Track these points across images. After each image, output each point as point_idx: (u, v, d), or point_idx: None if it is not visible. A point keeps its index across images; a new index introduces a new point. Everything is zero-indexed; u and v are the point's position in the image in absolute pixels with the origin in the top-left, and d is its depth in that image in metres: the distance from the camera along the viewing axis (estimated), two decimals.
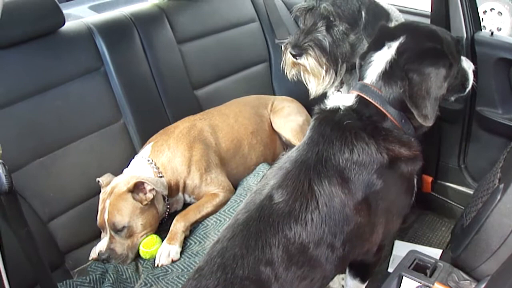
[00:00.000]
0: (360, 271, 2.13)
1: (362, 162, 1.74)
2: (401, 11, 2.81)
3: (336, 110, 1.86)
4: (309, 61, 2.33)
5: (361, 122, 1.80)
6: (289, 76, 2.53)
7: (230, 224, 1.84)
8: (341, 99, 1.89)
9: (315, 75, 2.41)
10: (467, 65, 2.01)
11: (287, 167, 1.83)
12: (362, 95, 1.84)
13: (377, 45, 1.92)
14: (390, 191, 1.83)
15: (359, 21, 2.34)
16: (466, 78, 2.01)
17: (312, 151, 1.81)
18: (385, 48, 1.87)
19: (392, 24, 2.44)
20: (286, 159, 1.89)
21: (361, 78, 1.94)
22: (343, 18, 2.32)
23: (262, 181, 1.92)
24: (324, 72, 2.35)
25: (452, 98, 2.05)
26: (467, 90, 2.05)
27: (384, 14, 2.38)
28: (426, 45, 1.83)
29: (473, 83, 2.04)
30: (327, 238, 1.73)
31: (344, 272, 2.21)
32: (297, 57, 2.35)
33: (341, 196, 1.73)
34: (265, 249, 1.70)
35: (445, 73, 1.78)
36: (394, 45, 1.85)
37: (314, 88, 2.49)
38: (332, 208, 1.72)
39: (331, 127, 1.82)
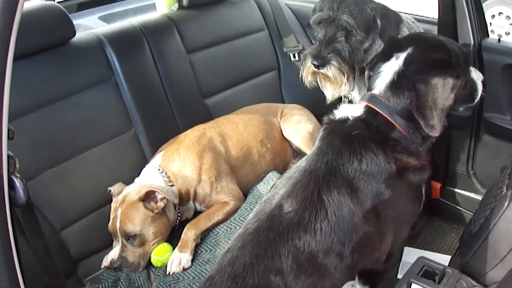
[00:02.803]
0: (369, 279, 2.14)
1: (371, 172, 1.76)
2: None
3: (345, 120, 1.88)
4: (332, 71, 2.41)
5: (369, 132, 1.82)
6: (306, 83, 2.59)
7: (241, 233, 1.85)
8: (350, 109, 1.91)
9: (333, 82, 2.50)
10: (476, 75, 2.03)
11: (297, 176, 1.85)
12: (371, 105, 1.86)
13: (385, 56, 1.94)
14: (398, 200, 1.84)
15: (374, 29, 2.45)
16: (475, 89, 2.03)
17: (322, 161, 1.83)
18: (393, 59, 1.89)
19: (405, 28, 2.60)
20: (296, 168, 1.91)
21: (369, 88, 1.96)
22: (360, 28, 2.41)
23: (272, 190, 1.94)
24: (345, 79, 2.44)
25: (461, 109, 2.06)
26: (476, 100, 2.07)
27: (396, 18, 2.49)
28: (433, 56, 1.85)
29: (481, 93, 2.05)
30: (336, 247, 1.74)
31: (353, 279, 2.22)
32: (320, 68, 2.43)
33: (350, 206, 1.74)
34: (275, 258, 1.71)
35: (452, 84, 1.80)
36: (402, 56, 1.87)
37: (331, 93, 2.59)
38: (341, 217, 1.74)
39: (340, 137, 1.84)
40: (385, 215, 1.81)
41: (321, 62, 2.42)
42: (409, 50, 1.87)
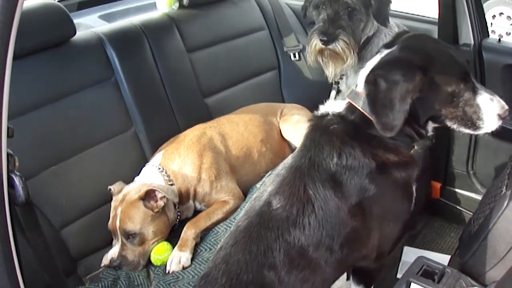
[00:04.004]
0: (363, 278, 2.14)
1: (352, 166, 1.76)
2: (409, 18, 2.84)
3: (325, 115, 1.89)
4: (340, 45, 2.54)
5: (346, 127, 1.82)
6: (310, 62, 2.76)
7: (232, 231, 1.89)
8: (333, 106, 1.92)
9: (338, 59, 2.64)
10: (483, 100, 1.80)
11: (283, 173, 1.88)
12: (351, 101, 1.86)
13: (377, 53, 1.94)
14: (384, 197, 1.84)
15: (369, 9, 2.61)
16: (478, 116, 1.81)
17: (306, 156, 1.84)
18: (377, 56, 1.89)
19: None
20: (283, 166, 1.93)
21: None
22: (361, 7, 2.57)
23: (261, 188, 1.97)
24: (352, 53, 2.57)
25: (455, 127, 1.86)
26: (482, 130, 1.84)
27: (388, 1, 2.66)
28: (402, 55, 1.79)
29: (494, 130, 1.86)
30: (325, 241, 1.76)
31: (348, 278, 2.23)
32: (328, 43, 2.55)
33: (335, 200, 1.76)
34: (267, 253, 1.74)
35: (411, 87, 1.68)
36: (385, 52, 1.86)
37: (333, 71, 2.75)
38: (328, 211, 1.75)
39: (320, 132, 1.85)
40: (370, 211, 1.81)
41: (329, 37, 2.54)
42: (393, 48, 1.84)
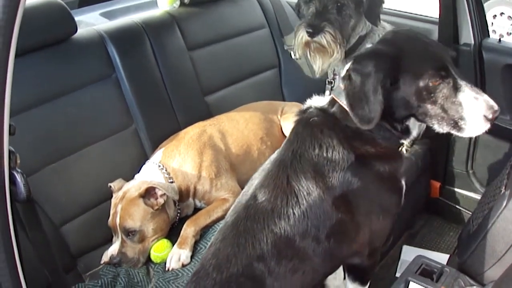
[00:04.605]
0: (357, 275, 2.15)
1: (332, 158, 1.78)
2: (409, 17, 2.84)
3: (307, 109, 1.92)
4: (326, 38, 2.57)
5: (325, 119, 1.84)
6: (296, 56, 2.87)
7: (221, 227, 1.92)
8: (317, 100, 1.95)
9: (325, 53, 2.66)
10: (467, 101, 1.71)
11: (269, 167, 1.91)
12: (334, 96, 1.88)
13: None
14: (369, 190, 1.85)
15: (360, 7, 2.64)
16: (460, 116, 1.72)
17: (289, 149, 1.87)
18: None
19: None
20: (269, 160, 1.97)
21: None
22: (350, 3, 2.60)
23: (248, 183, 2.00)
24: (338, 47, 2.59)
25: (436, 127, 1.80)
26: (465, 132, 1.75)
27: (380, 1, 2.70)
28: (375, 48, 1.81)
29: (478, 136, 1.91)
30: (311, 231, 1.78)
31: (345, 278, 2.23)
32: (314, 35, 2.58)
33: (317, 191, 1.77)
34: (255, 245, 1.76)
35: (381, 76, 1.67)
36: (368, 49, 1.89)
37: (320, 66, 2.79)
38: (312, 202, 1.77)
39: (302, 125, 1.88)
40: (357, 204, 1.83)
41: (315, 29, 2.57)
42: (377, 43, 1.86)
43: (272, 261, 1.76)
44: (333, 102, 1.87)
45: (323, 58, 2.73)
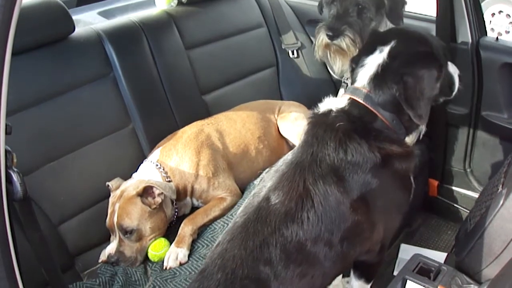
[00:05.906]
0: (364, 271, 2.15)
1: (356, 162, 1.78)
2: (406, 16, 2.84)
3: (328, 112, 1.90)
4: (345, 41, 2.61)
5: (352, 123, 1.84)
6: (317, 57, 2.88)
7: (230, 227, 1.90)
8: (334, 102, 1.94)
9: (345, 55, 2.70)
10: (453, 69, 2.08)
11: (283, 169, 1.88)
12: (354, 97, 1.89)
13: (369, 49, 1.97)
14: (386, 189, 1.87)
15: (382, 8, 2.67)
16: (452, 82, 2.08)
17: (307, 152, 1.85)
18: (376, 52, 1.92)
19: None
20: (282, 161, 1.94)
21: (353, 81, 1.98)
22: (370, 6, 2.63)
23: (259, 184, 1.98)
24: (357, 50, 2.58)
25: (441, 100, 2.09)
26: (454, 93, 2.12)
27: (402, 1, 2.72)
28: (417, 49, 1.91)
29: (459, 87, 2.11)
30: (324, 235, 1.76)
31: (348, 275, 2.23)
32: (334, 38, 2.62)
33: (336, 195, 1.76)
34: (263, 248, 1.74)
35: (437, 75, 1.86)
36: (386, 49, 1.91)
37: (340, 67, 2.85)
38: (328, 206, 1.76)
39: (324, 129, 1.86)
40: (374, 204, 1.83)
41: (335, 33, 2.61)
42: (392, 43, 1.91)
43: (279, 265, 1.74)
44: (355, 103, 1.89)
45: (343, 60, 2.76)
